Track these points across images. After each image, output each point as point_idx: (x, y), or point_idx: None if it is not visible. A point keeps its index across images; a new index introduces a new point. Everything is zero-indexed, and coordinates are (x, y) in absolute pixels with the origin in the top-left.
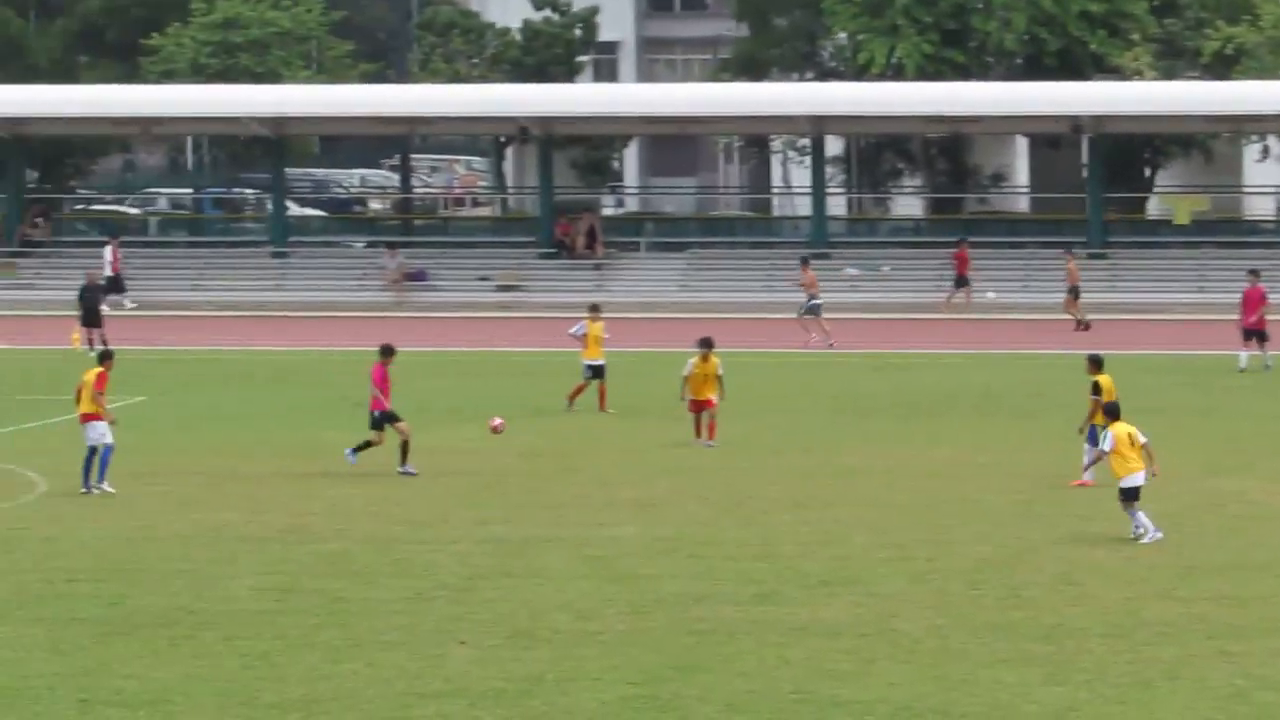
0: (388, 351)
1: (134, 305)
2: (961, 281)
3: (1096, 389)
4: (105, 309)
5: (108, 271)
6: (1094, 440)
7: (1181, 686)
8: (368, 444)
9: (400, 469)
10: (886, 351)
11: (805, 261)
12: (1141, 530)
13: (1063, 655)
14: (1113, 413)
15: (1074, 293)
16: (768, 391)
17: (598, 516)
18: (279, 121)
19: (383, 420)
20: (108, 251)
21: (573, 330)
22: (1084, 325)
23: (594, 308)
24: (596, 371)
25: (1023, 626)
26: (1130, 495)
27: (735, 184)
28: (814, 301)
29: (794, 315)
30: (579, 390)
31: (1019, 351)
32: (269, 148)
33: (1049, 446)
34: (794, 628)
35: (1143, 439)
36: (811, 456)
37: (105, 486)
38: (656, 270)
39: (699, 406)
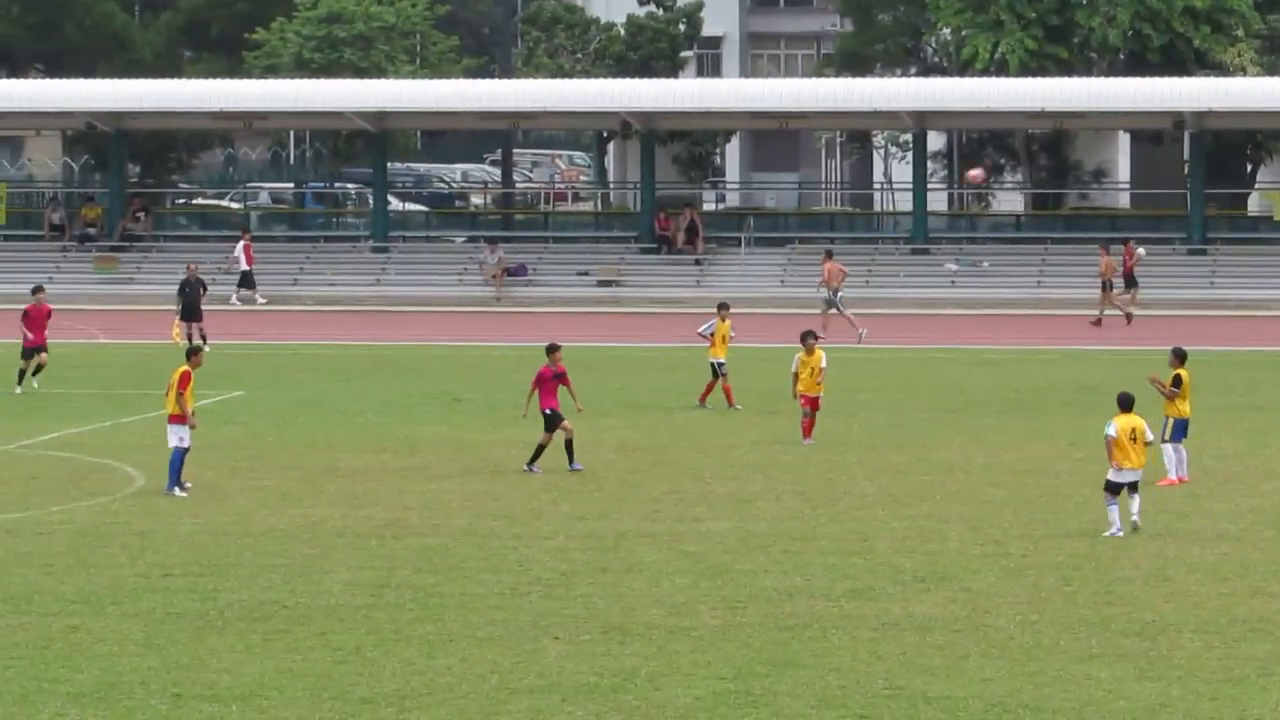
0: (552, 349)
1: (235, 303)
2: (1130, 281)
3: (1177, 382)
4: (236, 302)
5: (242, 265)
6: (1178, 437)
7: (1275, 683)
8: (541, 449)
9: (570, 466)
10: (984, 347)
11: (828, 254)
12: (1119, 529)
13: (1156, 651)
14: (1123, 404)
15: (1108, 286)
16: (864, 387)
17: (692, 511)
18: (381, 116)
19: (551, 420)
20: (239, 247)
21: (702, 329)
22: (1098, 322)
23: (723, 306)
24: (721, 368)
25: (1116, 622)
26: (1115, 489)
27: (837, 179)
28: (838, 295)
29: (831, 312)
30: (724, 390)
31: (1115, 348)
32: (371, 142)
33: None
34: (887, 623)
35: (1150, 436)
36: (907, 452)
37: (175, 491)
38: (757, 266)
39: (811, 403)
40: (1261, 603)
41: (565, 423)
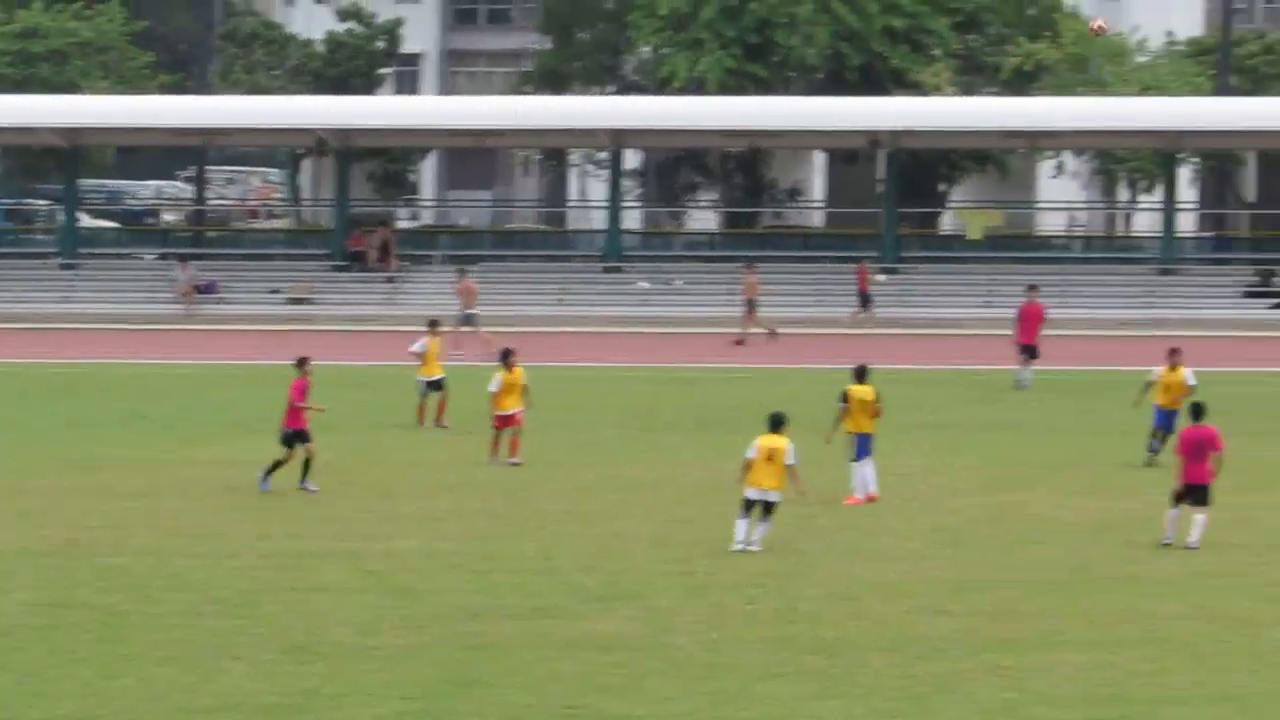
0: (302, 363)
1: None
2: (864, 299)
3: (844, 397)
4: None
5: None
6: (860, 454)
7: (953, 701)
8: (277, 464)
9: (300, 485)
10: (675, 365)
11: (463, 272)
12: (743, 544)
13: (837, 669)
14: (771, 423)
15: (751, 306)
16: (554, 405)
17: (379, 530)
18: (74, 132)
19: (293, 438)
20: None
21: (413, 347)
22: (766, 335)
23: (433, 323)
24: (436, 385)
25: (798, 640)
26: (749, 506)
27: (532, 197)
28: (468, 312)
29: (464, 329)
30: (423, 408)
31: (807, 366)
32: (63, 158)
33: (832, 461)
34: (569, 642)
35: (790, 460)
36: (596, 470)
37: None
38: (449, 283)
39: (505, 422)
40: (943, 621)
41: (310, 445)
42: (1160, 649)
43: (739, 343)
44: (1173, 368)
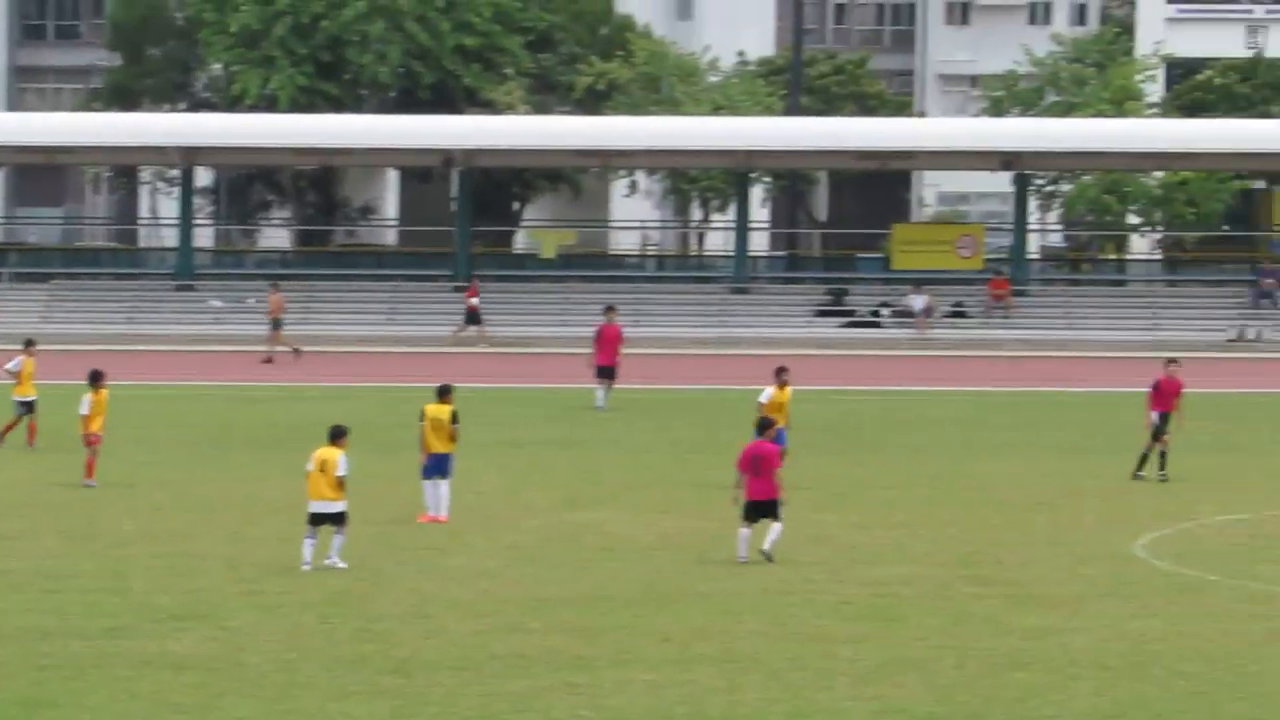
0: None
1: None
2: (473, 316)
3: (422, 416)
4: None
5: None
6: (433, 473)
7: (529, 719)
8: None
9: None
10: (248, 384)
11: None
12: (310, 564)
13: (413, 688)
14: (330, 435)
15: (276, 325)
16: (126, 424)
17: None
18: None
19: None
20: None
21: (9, 366)
22: (292, 354)
23: (29, 342)
24: (28, 407)
25: (374, 659)
26: (317, 520)
27: (103, 214)
28: None
29: None
30: (10, 427)
31: (381, 384)
32: None
33: (407, 479)
34: (142, 662)
35: (339, 472)
36: (168, 489)
37: None
38: (17, 301)
39: (96, 440)
40: (519, 639)
41: None
42: (735, 666)
43: (267, 360)
44: (781, 387)
